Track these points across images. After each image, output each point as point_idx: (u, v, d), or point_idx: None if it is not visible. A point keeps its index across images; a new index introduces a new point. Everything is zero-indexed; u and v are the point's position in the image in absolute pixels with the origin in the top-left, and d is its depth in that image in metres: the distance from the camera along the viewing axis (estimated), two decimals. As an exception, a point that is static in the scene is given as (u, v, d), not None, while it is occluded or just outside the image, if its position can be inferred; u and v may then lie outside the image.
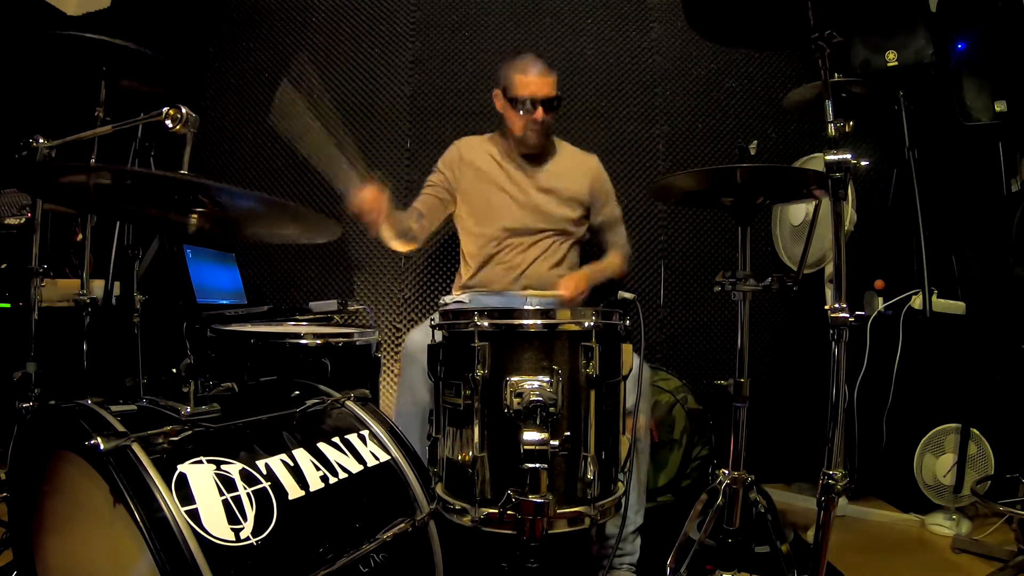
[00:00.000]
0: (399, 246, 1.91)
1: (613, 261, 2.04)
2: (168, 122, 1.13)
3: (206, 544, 0.89)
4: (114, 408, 1.02)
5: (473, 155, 2.04)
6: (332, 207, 2.55)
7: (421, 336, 1.25)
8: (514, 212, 1.98)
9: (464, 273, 2.07)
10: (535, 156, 2.01)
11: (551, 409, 1.05)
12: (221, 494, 0.97)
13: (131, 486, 0.90)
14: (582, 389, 1.11)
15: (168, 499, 0.90)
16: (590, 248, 2.16)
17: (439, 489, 1.19)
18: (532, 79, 1.88)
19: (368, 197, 1.62)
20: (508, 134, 2.00)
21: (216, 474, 0.99)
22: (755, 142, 1.38)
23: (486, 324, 1.11)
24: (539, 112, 1.88)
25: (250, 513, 0.97)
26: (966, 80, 2.37)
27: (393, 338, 2.60)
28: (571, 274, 1.91)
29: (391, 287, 2.63)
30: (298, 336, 1.58)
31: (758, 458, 1.55)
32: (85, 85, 1.61)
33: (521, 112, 1.89)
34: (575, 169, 2.04)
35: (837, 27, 1.20)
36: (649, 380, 1.78)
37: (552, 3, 2.69)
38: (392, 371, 2.58)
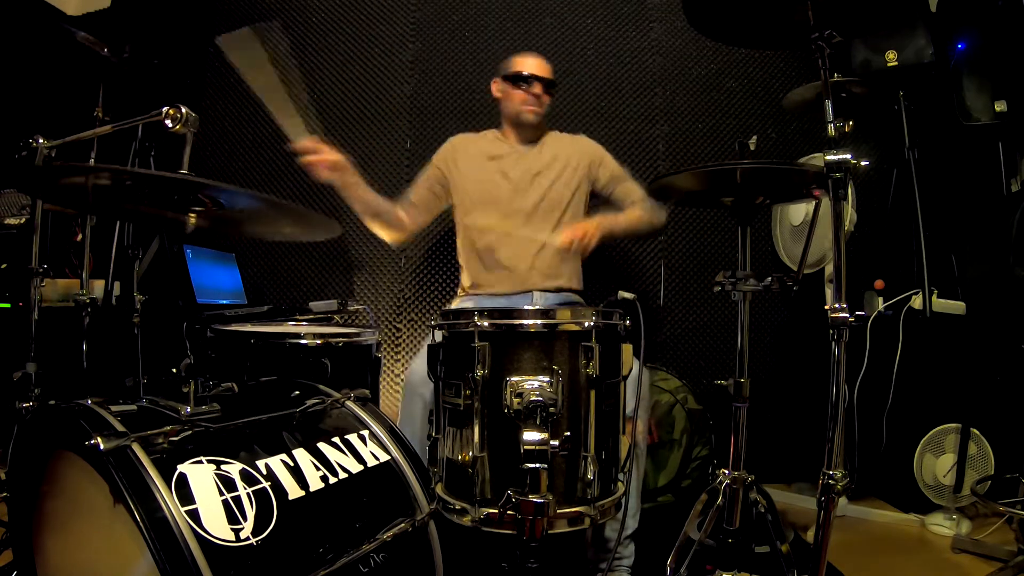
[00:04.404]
0: (384, 233, 1.94)
1: (633, 212, 1.97)
2: (168, 122, 1.14)
3: (206, 544, 0.89)
4: (114, 408, 1.02)
5: (468, 148, 2.06)
6: (332, 207, 2.55)
7: (423, 367, 1.24)
8: (513, 196, 1.96)
9: (465, 281, 2.05)
10: (530, 141, 2.03)
11: (551, 409, 1.05)
12: (221, 494, 0.97)
13: (131, 486, 0.90)
14: (582, 389, 1.11)
15: (168, 499, 0.90)
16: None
17: (439, 489, 1.19)
18: (530, 60, 1.97)
19: (312, 144, 1.64)
20: (505, 118, 2.03)
21: (216, 474, 0.99)
22: (755, 137, 1.38)
23: (486, 324, 1.11)
24: (537, 86, 1.94)
25: (250, 513, 0.98)
26: (966, 80, 2.37)
27: (393, 338, 2.60)
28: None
29: (391, 287, 2.63)
30: (298, 336, 1.58)
31: (758, 458, 1.55)
32: (85, 84, 1.61)
33: (521, 86, 1.94)
34: (569, 147, 2.05)
35: (837, 27, 1.20)
36: (648, 383, 1.77)
37: (552, 3, 2.69)
38: (392, 371, 2.58)
